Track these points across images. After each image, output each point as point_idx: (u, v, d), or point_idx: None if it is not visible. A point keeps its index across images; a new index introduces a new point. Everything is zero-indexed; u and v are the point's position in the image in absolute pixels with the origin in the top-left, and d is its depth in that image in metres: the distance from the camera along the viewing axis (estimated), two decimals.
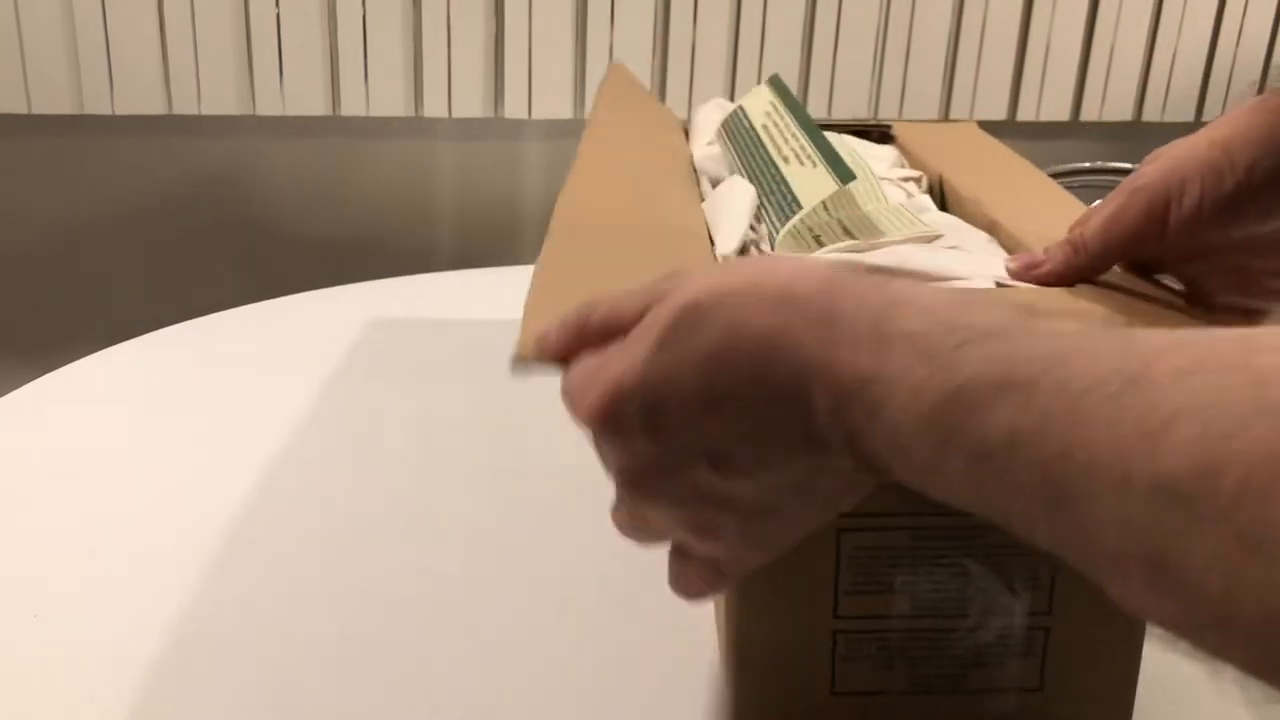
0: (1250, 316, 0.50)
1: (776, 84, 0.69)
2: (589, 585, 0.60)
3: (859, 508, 0.37)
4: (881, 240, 0.53)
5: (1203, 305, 0.48)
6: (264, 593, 0.59)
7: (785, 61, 1.63)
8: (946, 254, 0.51)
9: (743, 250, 0.55)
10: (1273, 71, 1.76)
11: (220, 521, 0.65)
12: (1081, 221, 0.49)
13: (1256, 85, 1.75)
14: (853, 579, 0.44)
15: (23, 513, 0.66)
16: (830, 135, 0.62)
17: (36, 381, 0.84)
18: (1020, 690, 0.46)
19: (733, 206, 0.58)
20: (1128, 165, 1.41)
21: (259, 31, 1.55)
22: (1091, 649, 0.46)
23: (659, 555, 0.41)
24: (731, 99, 0.77)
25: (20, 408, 0.80)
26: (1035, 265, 0.48)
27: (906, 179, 0.66)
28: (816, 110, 1.65)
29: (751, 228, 0.57)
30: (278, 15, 1.54)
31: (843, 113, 1.65)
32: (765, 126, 0.64)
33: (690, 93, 1.63)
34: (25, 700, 0.50)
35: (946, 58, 1.66)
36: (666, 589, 0.41)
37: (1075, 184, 1.45)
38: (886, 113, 1.67)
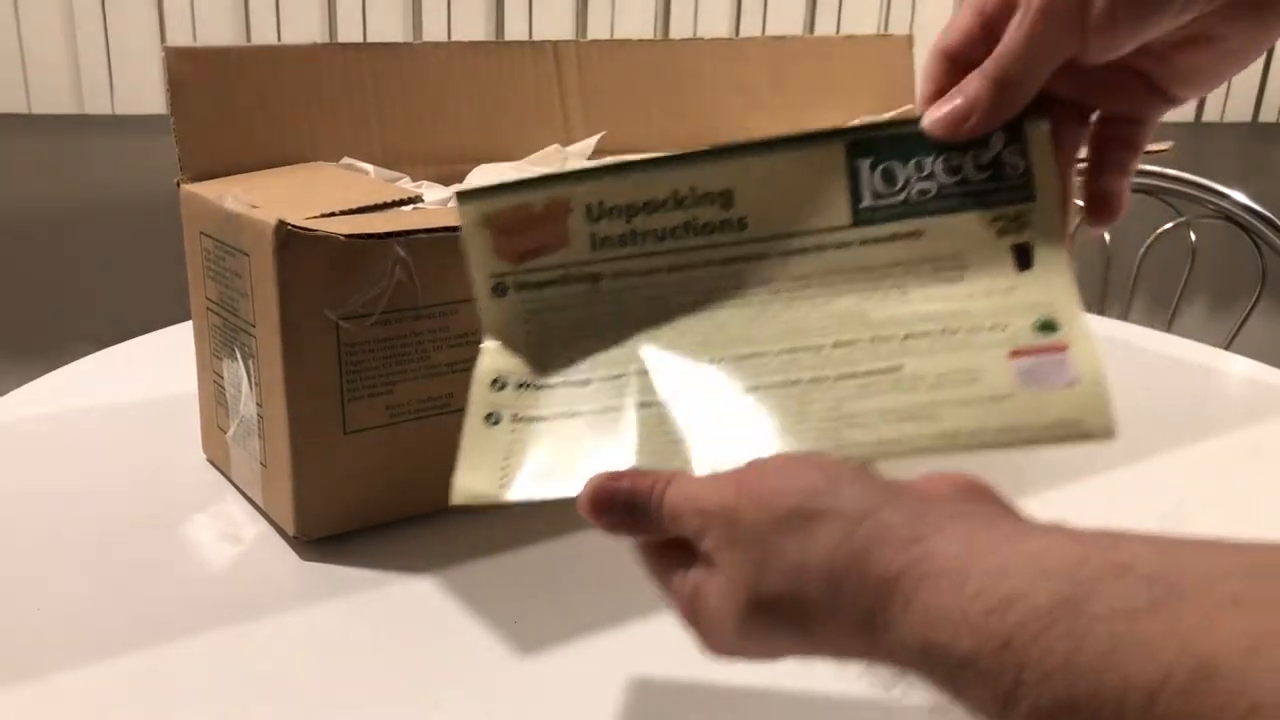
0: (1136, 127, 0.46)
1: None
2: None
3: None
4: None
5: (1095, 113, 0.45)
6: (273, 589, 0.59)
7: None
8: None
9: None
10: None
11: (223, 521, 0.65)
12: (969, 46, 0.43)
13: None
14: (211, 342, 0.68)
15: (22, 513, 0.66)
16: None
17: (36, 381, 0.84)
18: (260, 463, 0.64)
19: None
20: (1186, 175, 1.34)
21: (259, 33, 1.55)
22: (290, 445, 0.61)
23: None
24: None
25: (20, 408, 0.80)
26: (961, 118, 0.43)
27: None
28: None
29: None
30: (278, 17, 1.54)
31: None
32: None
33: None
34: (25, 699, 0.50)
35: None
36: None
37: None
38: None
